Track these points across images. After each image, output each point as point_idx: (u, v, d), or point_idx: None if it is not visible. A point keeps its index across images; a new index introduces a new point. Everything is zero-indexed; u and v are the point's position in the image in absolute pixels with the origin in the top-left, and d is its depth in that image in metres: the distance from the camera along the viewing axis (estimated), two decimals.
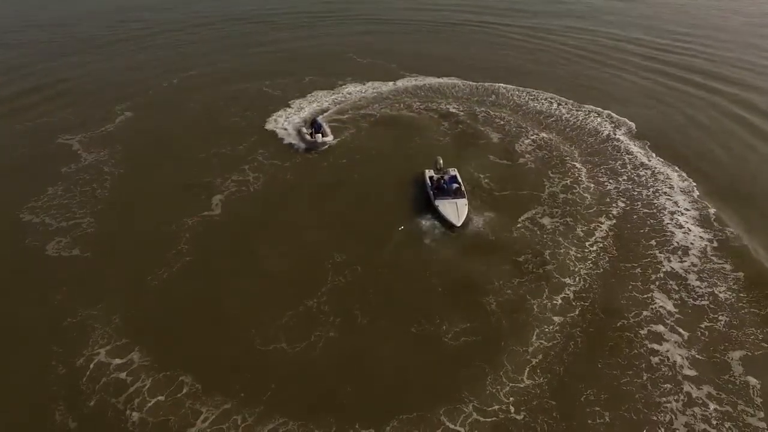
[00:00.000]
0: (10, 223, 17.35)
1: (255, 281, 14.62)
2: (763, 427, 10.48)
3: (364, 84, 29.89)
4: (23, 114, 26.54)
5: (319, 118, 23.58)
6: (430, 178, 18.78)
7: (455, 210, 16.87)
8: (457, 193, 17.59)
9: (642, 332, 12.73)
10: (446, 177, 18.26)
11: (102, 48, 38.83)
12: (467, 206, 17.20)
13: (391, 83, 29.98)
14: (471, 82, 29.74)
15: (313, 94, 28.43)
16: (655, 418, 10.71)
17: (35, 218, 17.46)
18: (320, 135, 21.94)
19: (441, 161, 19.11)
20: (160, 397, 11.16)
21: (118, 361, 12.08)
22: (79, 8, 52.49)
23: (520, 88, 28.80)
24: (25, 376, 11.87)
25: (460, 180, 18.38)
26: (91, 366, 11.95)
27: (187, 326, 13.18)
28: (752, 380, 11.38)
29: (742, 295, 13.81)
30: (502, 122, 24.70)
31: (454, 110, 26.01)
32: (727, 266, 14.83)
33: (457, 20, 44.33)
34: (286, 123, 24.59)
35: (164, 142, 23.06)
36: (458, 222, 16.56)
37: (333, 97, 28.12)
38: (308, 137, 22.06)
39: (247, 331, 12.83)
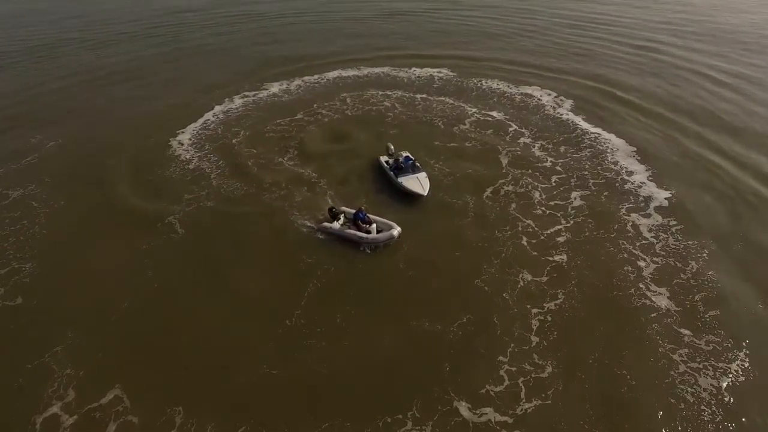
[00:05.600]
0: None
1: (229, 300, 13.78)
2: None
3: (291, 82, 29.68)
4: None
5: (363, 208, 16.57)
6: (386, 162, 19.46)
7: (418, 183, 17.85)
8: (415, 169, 18.50)
9: (631, 291, 13.65)
10: (401, 158, 18.91)
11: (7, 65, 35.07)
12: (427, 177, 18.15)
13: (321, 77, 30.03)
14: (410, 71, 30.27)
15: (244, 94, 27.86)
16: (659, 363, 11.61)
17: None
18: (374, 225, 15.86)
19: (392, 146, 19.98)
20: None
21: (91, 405, 10.99)
22: None
23: (458, 72, 29.78)
24: None
25: (413, 158, 19.10)
26: (58, 419, 10.78)
27: (163, 361, 12.06)
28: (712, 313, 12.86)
29: (689, 243, 15.35)
30: (443, 107, 25.29)
31: (393, 101, 26.27)
32: (673, 221, 16.34)
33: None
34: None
35: (96, 169, 20.89)
36: (425, 192, 17.48)
37: (264, 98, 27.43)
38: (359, 233, 15.65)
39: (232, 358, 12.05)
